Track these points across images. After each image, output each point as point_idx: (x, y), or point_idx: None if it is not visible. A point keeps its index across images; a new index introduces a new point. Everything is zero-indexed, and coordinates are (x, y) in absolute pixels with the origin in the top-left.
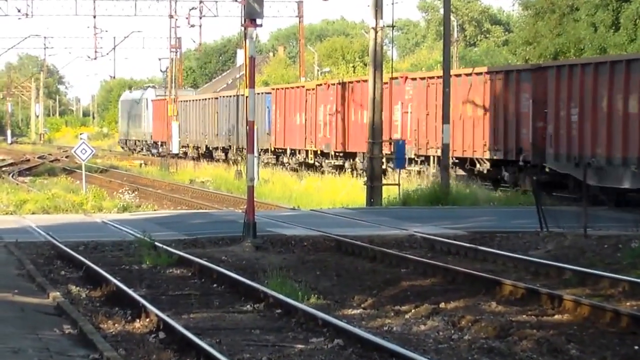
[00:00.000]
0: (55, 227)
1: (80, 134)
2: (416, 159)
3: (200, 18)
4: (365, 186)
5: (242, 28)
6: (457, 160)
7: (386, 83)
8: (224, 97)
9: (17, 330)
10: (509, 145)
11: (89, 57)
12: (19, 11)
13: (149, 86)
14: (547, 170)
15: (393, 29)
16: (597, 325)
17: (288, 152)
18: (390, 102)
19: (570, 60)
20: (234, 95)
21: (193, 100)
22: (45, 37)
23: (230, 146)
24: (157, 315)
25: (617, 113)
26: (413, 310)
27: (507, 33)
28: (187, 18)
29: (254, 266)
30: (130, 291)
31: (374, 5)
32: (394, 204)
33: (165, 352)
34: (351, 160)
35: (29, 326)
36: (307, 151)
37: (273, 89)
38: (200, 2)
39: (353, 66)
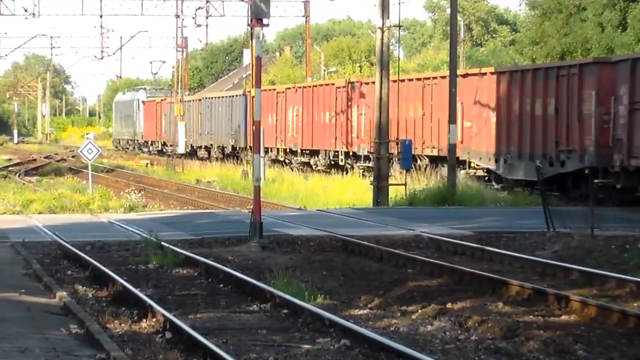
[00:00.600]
0: (62, 227)
1: (87, 133)
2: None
3: (207, 18)
4: (372, 186)
5: (249, 28)
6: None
7: (343, 87)
8: (206, 98)
9: (24, 330)
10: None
11: (95, 57)
12: (25, 11)
13: (140, 88)
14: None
15: (400, 28)
16: (604, 325)
17: (285, 149)
18: (351, 104)
19: (489, 68)
20: (216, 97)
21: (193, 101)
22: (51, 37)
23: (212, 144)
24: (163, 315)
25: (526, 115)
26: (420, 311)
27: (513, 33)
28: (193, 18)
29: (261, 266)
30: (136, 291)
31: (381, 5)
32: (401, 204)
33: (172, 352)
34: (316, 157)
35: (35, 326)
36: (277, 149)
37: (248, 92)
38: (207, 1)
39: (359, 66)
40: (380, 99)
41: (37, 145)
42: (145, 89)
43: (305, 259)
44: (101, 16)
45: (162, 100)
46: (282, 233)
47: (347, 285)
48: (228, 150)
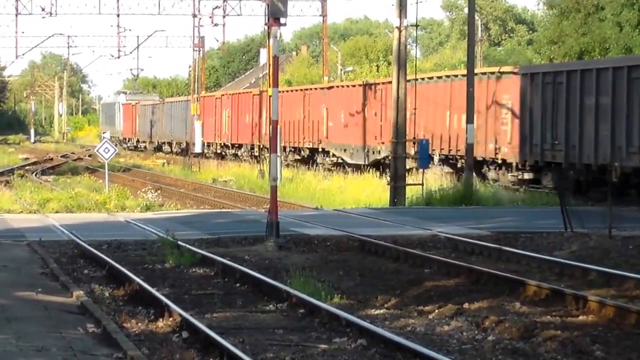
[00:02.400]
0: (79, 226)
1: (103, 132)
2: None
3: (224, 17)
4: (389, 186)
5: (266, 27)
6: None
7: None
8: (170, 102)
9: (41, 329)
10: None
11: (112, 56)
12: (42, 10)
13: (122, 92)
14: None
15: (417, 28)
16: (622, 326)
17: (206, 144)
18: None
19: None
20: (179, 101)
21: (151, 105)
22: (69, 36)
23: (172, 141)
24: (180, 315)
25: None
26: (437, 311)
27: (531, 32)
28: (210, 17)
29: (277, 266)
30: (153, 290)
31: (398, 5)
32: (418, 203)
33: (189, 352)
34: (240, 150)
35: (52, 325)
36: (216, 144)
37: (200, 98)
38: (224, 1)
39: (377, 65)
40: (398, 98)
41: (54, 144)
42: (125, 92)
43: (322, 258)
44: (118, 15)
45: (136, 103)
46: (299, 233)
47: (363, 285)
48: (182, 146)
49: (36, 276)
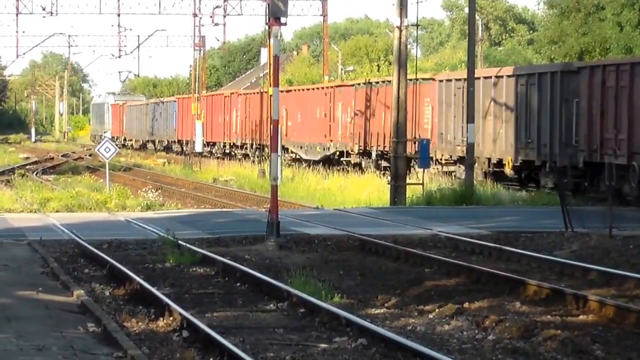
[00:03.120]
0: (79, 226)
1: (104, 132)
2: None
3: (224, 17)
4: (389, 185)
5: (266, 27)
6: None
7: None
8: (154, 103)
9: (42, 328)
10: None
11: (113, 56)
12: (43, 9)
13: (110, 93)
14: None
15: (417, 27)
16: (622, 326)
17: (184, 141)
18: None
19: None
20: (160, 102)
21: (137, 105)
22: (69, 36)
23: (155, 140)
24: (180, 314)
25: None
26: (437, 310)
27: (531, 32)
28: (211, 17)
29: (278, 265)
30: (153, 290)
31: (399, 4)
32: (418, 203)
33: (189, 351)
34: (213, 148)
35: (53, 324)
36: (225, 143)
37: (178, 99)
38: (225, 0)
39: (377, 65)
40: (398, 98)
41: (55, 143)
42: (114, 93)
43: (322, 258)
44: (119, 15)
45: (123, 103)
46: (299, 232)
47: (364, 284)
48: (164, 144)
49: (37, 275)
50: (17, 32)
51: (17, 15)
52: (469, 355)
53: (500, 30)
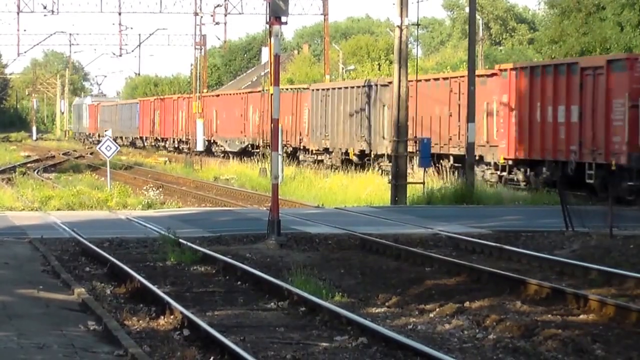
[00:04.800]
0: (80, 224)
1: (105, 130)
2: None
3: (225, 15)
4: (390, 184)
5: (267, 26)
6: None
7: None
8: (122, 104)
9: (42, 326)
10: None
11: (114, 54)
12: (44, 8)
13: (88, 95)
14: None
15: (418, 27)
16: (622, 325)
17: (145, 138)
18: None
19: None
20: (128, 103)
21: (108, 106)
22: (70, 34)
23: (122, 136)
24: (181, 312)
25: None
26: (437, 309)
27: (532, 31)
28: (212, 15)
29: (278, 264)
30: (154, 288)
31: (399, 4)
32: (419, 202)
33: (190, 349)
34: (165, 143)
35: (53, 322)
36: (153, 137)
37: (140, 101)
38: None
39: (378, 64)
40: (399, 97)
41: (56, 142)
42: (91, 95)
43: (323, 257)
44: (120, 13)
45: (98, 104)
46: (300, 231)
47: (365, 283)
48: (129, 139)
49: (37, 274)
50: (18, 30)
51: (18, 13)
52: (470, 354)
53: (500, 29)
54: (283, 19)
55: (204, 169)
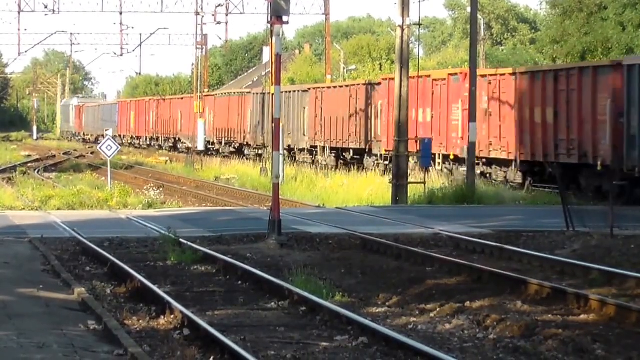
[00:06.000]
0: (81, 223)
1: (106, 130)
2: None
3: (227, 15)
4: (391, 184)
5: (269, 25)
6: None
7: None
8: (102, 105)
9: (42, 326)
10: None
11: (115, 54)
12: (45, 7)
13: (75, 96)
14: None
15: (420, 27)
16: (623, 325)
17: (123, 136)
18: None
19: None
20: (106, 104)
21: (92, 106)
22: (71, 34)
23: (102, 134)
24: (181, 312)
25: None
26: (438, 309)
27: (533, 32)
28: (213, 15)
29: (279, 264)
30: (154, 288)
31: (401, 3)
32: (420, 202)
33: (190, 349)
34: (139, 140)
35: (53, 322)
36: (138, 136)
37: (119, 102)
38: None
39: (380, 64)
40: (400, 96)
41: (56, 141)
42: (78, 96)
43: (323, 256)
44: (121, 13)
45: (82, 105)
46: (301, 231)
47: (365, 283)
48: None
49: (38, 273)
50: (19, 30)
51: (19, 13)
52: (470, 354)
53: (502, 29)
54: (284, 18)
55: (204, 169)
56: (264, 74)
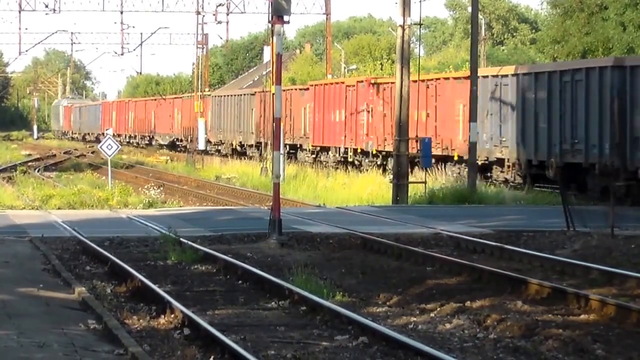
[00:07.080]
0: (81, 223)
1: (107, 129)
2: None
3: (227, 14)
4: (391, 184)
5: (269, 25)
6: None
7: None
8: (88, 105)
9: (42, 325)
10: None
11: (115, 53)
12: (46, 6)
13: (65, 97)
14: None
15: (420, 26)
16: (623, 325)
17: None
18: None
19: None
20: (91, 105)
21: (78, 107)
22: (72, 33)
23: (89, 133)
24: (182, 312)
25: None
26: (438, 309)
27: (534, 31)
28: (214, 14)
29: (279, 263)
30: (155, 287)
31: (402, 3)
32: (420, 202)
33: (190, 349)
34: (119, 138)
35: (54, 321)
36: (119, 134)
37: (103, 103)
38: None
39: (380, 63)
40: (401, 96)
41: (57, 140)
42: (68, 97)
43: (324, 256)
44: (122, 12)
45: (71, 105)
46: (301, 230)
47: (365, 282)
48: (94, 136)
49: (38, 272)
50: (19, 29)
51: (19, 12)
52: (470, 354)
53: (502, 29)
54: (285, 18)
55: (205, 168)
56: (264, 73)
